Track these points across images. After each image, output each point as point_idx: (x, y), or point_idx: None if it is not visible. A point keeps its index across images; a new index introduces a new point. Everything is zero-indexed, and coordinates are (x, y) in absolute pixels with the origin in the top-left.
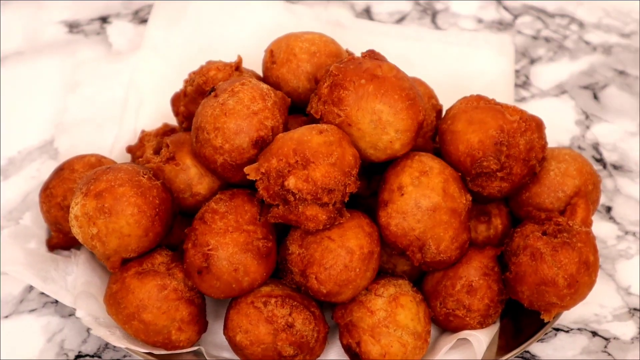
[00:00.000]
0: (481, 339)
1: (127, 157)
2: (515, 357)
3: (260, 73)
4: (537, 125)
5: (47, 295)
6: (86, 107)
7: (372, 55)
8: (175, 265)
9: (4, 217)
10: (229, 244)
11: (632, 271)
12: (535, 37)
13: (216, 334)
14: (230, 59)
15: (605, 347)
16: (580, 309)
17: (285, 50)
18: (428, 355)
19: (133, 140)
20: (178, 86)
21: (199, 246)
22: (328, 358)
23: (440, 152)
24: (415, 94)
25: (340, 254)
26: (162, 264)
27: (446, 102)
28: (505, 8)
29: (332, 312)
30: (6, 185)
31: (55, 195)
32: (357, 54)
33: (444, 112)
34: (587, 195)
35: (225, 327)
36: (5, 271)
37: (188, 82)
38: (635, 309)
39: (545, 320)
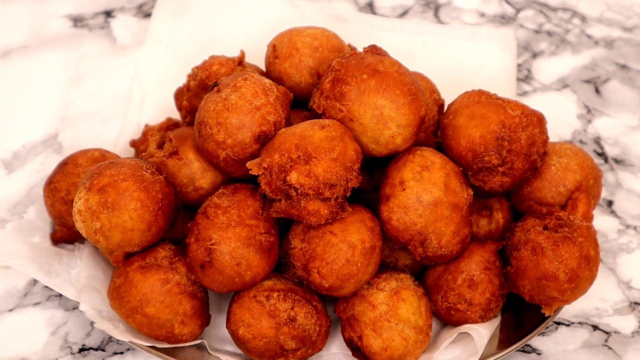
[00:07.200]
0: (482, 333)
1: (131, 151)
2: (516, 350)
3: (263, 67)
4: (538, 120)
5: (51, 289)
6: (90, 101)
7: (374, 50)
8: (178, 259)
9: (8, 210)
10: (231, 239)
11: (633, 265)
12: (537, 31)
13: (219, 327)
14: (233, 53)
15: (606, 340)
16: (581, 302)
17: (288, 44)
18: (429, 349)
19: (137, 134)
20: (182, 80)
21: (201, 240)
22: (330, 352)
23: (441, 146)
24: (417, 88)
25: (342, 248)
26: (165, 258)
27: (448, 97)
28: (508, 2)
29: (334, 306)
30: (10, 179)
31: (59, 189)
32: (360, 48)
33: (445, 107)
34: (588, 189)
35: (228, 321)
36: (10, 265)
37: (191, 76)
38: (636, 303)
39: (546, 315)
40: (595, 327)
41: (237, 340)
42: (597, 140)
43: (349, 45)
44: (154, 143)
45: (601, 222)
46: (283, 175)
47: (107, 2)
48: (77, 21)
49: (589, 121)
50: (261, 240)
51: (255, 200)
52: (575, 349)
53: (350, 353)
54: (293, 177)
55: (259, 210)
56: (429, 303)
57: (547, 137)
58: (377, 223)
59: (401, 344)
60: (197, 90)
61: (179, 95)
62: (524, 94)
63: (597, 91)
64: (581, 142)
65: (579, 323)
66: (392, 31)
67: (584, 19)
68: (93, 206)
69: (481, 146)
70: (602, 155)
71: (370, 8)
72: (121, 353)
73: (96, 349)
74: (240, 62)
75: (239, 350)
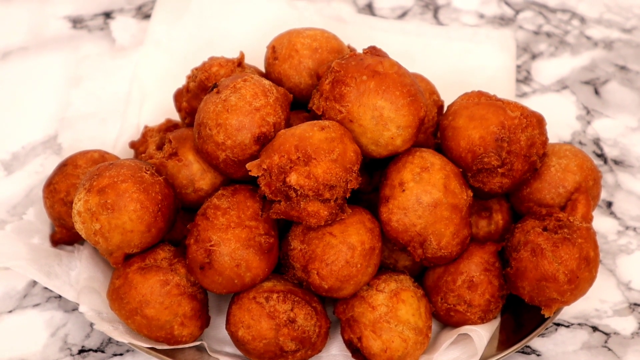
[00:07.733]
0: (482, 334)
1: (130, 152)
2: (516, 352)
3: (263, 69)
4: (538, 121)
5: (51, 290)
6: (90, 102)
7: (373, 51)
8: (178, 260)
9: (7, 212)
10: (231, 240)
11: (633, 266)
12: (536, 32)
13: (218, 328)
14: (233, 54)
15: (606, 342)
16: (581, 304)
17: (287, 46)
18: (429, 351)
19: (136, 135)
20: (181, 81)
21: (201, 242)
22: (329, 353)
23: (441, 148)
24: (416, 90)
25: (342, 249)
26: (165, 260)
27: (448, 98)
28: (507, 3)
29: (334, 308)
30: (10, 180)
31: (59, 190)
32: (359, 49)
33: (445, 108)
34: (587, 190)
35: (228, 322)
36: (9, 266)
37: (190, 78)
38: (635, 304)
39: (546, 316)
40: (594, 329)
41: (237, 341)
42: (597, 142)
43: (349, 47)
44: (154, 144)
45: (601, 223)
46: (283, 177)
47: (107, 3)
48: (77, 22)
49: (589, 122)
50: (261, 242)
51: (254, 201)
52: (575, 350)
53: (350, 354)
54: (293, 179)
55: (259, 212)
56: (428, 304)
57: (547, 139)
58: (376, 224)
59: (401, 345)
60: (197, 92)
61: (178, 96)
62: (523, 95)
63: (597, 92)
64: (580, 143)
65: (579, 324)
66: (391, 32)
67: (583, 20)
68: (92, 207)
69: (481, 147)
70: (601, 156)
71: (370, 9)
72: (121, 354)
73: (96, 351)
74: (239, 63)
75: (238, 352)
